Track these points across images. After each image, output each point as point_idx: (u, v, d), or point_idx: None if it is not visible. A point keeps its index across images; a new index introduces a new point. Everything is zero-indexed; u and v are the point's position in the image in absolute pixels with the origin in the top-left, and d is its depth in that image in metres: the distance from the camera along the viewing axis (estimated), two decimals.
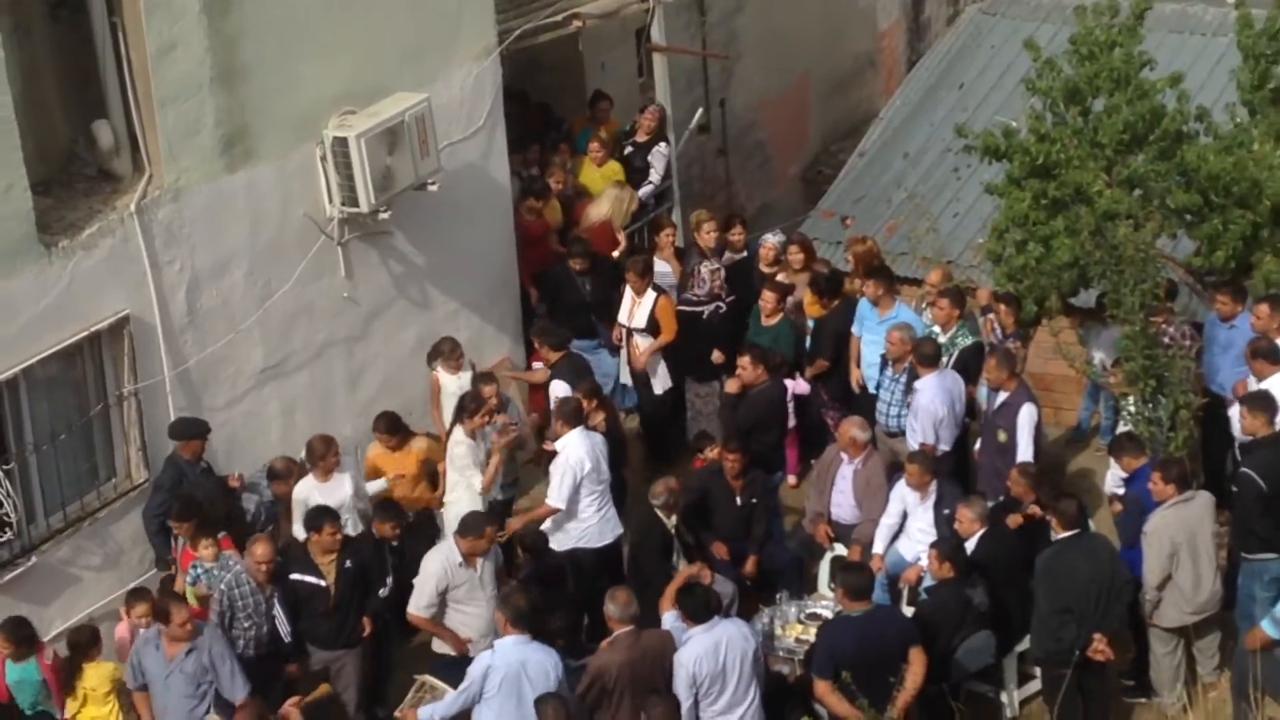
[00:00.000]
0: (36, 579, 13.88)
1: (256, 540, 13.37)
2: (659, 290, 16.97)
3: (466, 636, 13.40)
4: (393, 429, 15.04)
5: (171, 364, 14.68)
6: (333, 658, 13.60)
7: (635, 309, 16.91)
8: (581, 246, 17.36)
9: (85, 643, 12.78)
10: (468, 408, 14.92)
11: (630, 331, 17.01)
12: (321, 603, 13.43)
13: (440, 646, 13.57)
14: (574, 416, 14.71)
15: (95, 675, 12.80)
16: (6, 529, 13.62)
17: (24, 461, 13.84)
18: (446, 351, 16.05)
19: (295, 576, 13.40)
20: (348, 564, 13.48)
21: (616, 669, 12.31)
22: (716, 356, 16.87)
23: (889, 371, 15.78)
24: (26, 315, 13.58)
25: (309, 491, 14.37)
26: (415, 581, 13.61)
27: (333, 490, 14.40)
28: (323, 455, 14.44)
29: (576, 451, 14.51)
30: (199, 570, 13.45)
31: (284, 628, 13.32)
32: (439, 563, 13.49)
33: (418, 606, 13.44)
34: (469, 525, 13.57)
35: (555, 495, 14.46)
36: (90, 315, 14.03)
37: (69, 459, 14.22)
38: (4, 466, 13.58)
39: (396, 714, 12.96)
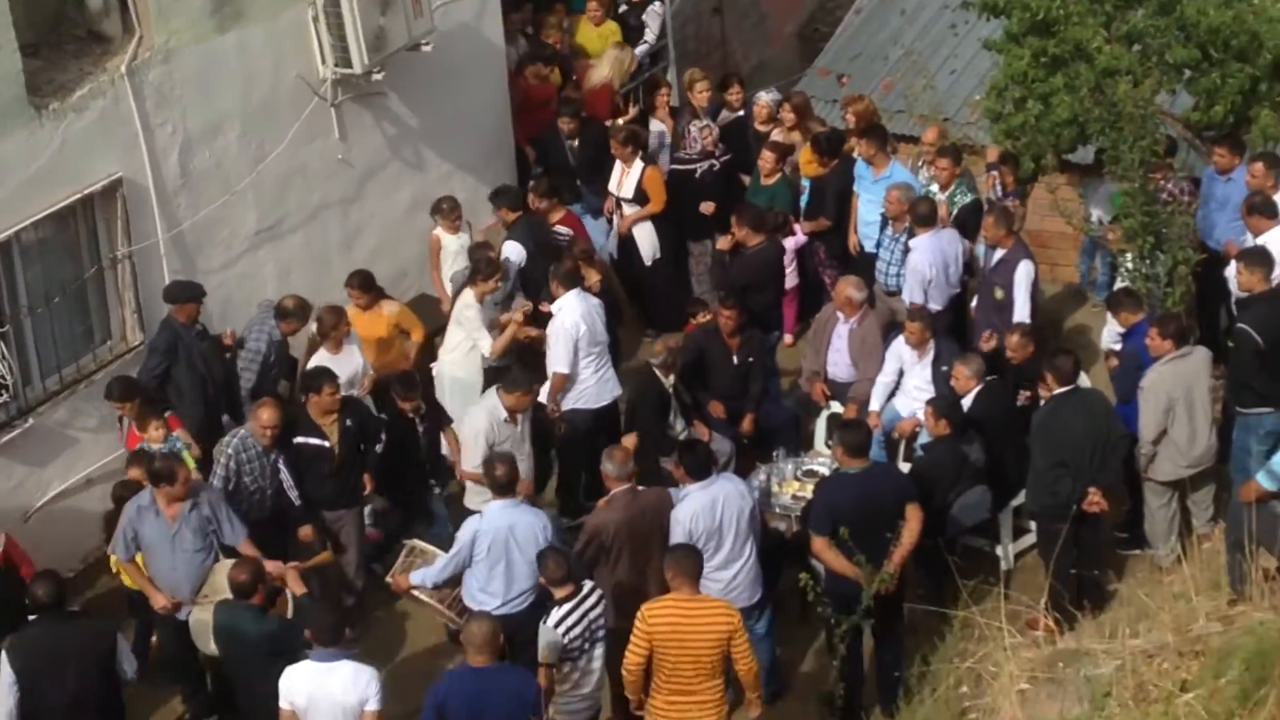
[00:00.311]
0: (33, 441, 13.92)
1: (262, 404, 13.31)
2: (647, 160, 16.85)
3: None
4: (365, 286, 14.88)
5: (165, 226, 14.63)
6: (335, 517, 13.63)
7: (624, 178, 16.80)
8: (571, 107, 17.24)
9: (128, 496, 12.75)
10: (482, 271, 14.84)
11: (619, 201, 16.90)
12: (326, 464, 13.44)
13: (474, 502, 13.47)
14: (570, 278, 14.66)
15: None
16: (3, 391, 13.64)
17: (19, 324, 13.83)
18: (446, 210, 15.98)
19: (299, 440, 13.39)
20: (348, 423, 13.49)
21: (614, 527, 12.35)
22: (706, 206, 16.84)
23: (889, 230, 15.73)
24: (17, 178, 13.51)
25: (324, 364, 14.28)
26: (462, 439, 13.66)
27: (345, 362, 14.36)
28: (334, 326, 14.37)
29: (573, 314, 14.48)
30: (178, 443, 13.43)
31: (293, 492, 13.33)
32: (485, 418, 13.48)
33: (473, 463, 13.42)
34: (516, 380, 13.58)
35: (560, 361, 14.41)
36: (82, 178, 13.96)
37: (64, 322, 14.22)
38: None
39: (388, 579, 12.95)
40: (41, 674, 11.03)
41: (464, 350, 14.93)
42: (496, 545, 12.08)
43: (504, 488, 12.26)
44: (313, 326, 14.61)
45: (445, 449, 14.27)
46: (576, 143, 17.22)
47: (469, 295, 14.86)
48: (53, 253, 14.08)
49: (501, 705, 10.53)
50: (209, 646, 12.13)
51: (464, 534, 12.24)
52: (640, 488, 12.59)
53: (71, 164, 13.85)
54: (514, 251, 15.63)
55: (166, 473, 12.34)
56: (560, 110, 17.29)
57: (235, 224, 15.30)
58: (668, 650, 10.91)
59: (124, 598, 13.25)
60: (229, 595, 11.83)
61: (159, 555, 12.45)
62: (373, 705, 10.70)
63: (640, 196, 16.72)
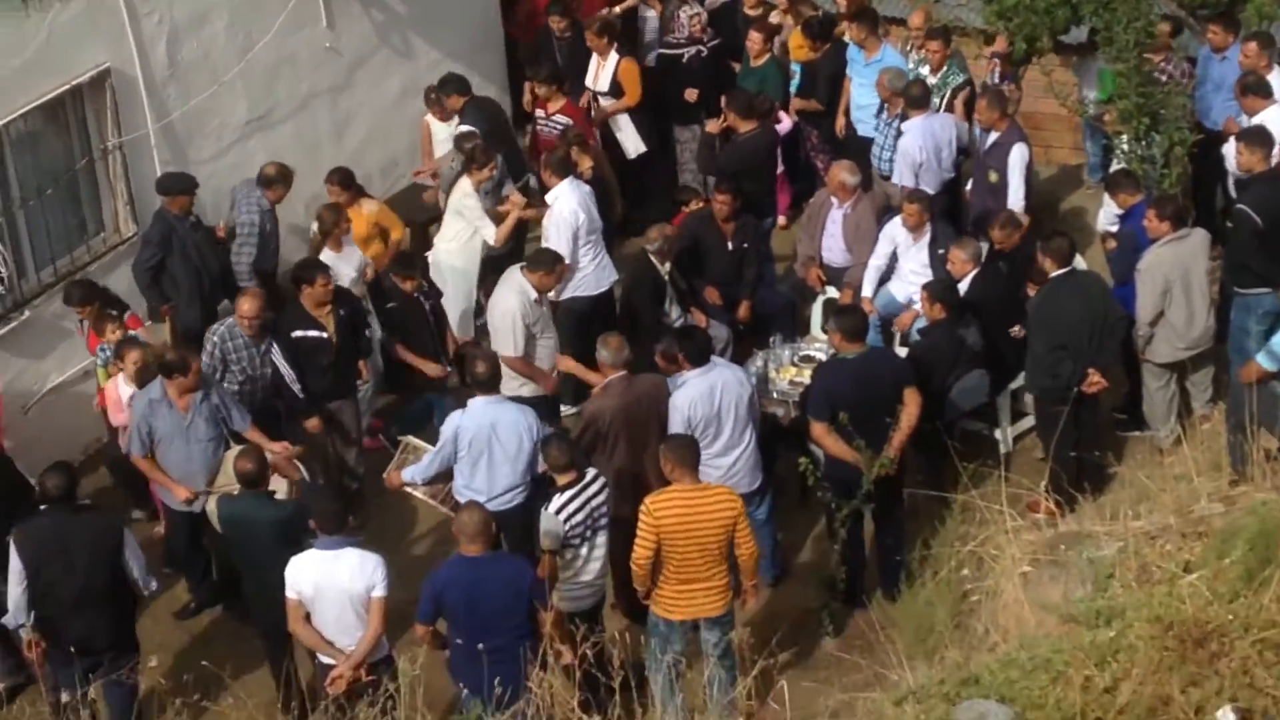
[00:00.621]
0: (30, 333, 13.91)
1: (244, 296, 13.24)
2: (626, 51, 16.68)
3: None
4: (345, 183, 14.69)
5: (155, 117, 14.56)
6: (335, 407, 13.63)
7: (599, 71, 16.65)
8: (560, 5, 17.04)
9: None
10: (477, 159, 14.75)
11: (595, 95, 16.76)
12: (325, 355, 13.40)
13: (510, 388, 13.28)
14: (562, 167, 14.57)
15: None
16: None
17: (12, 217, 13.78)
18: (434, 99, 15.87)
19: (299, 333, 13.34)
20: (342, 312, 13.47)
21: (610, 413, 12.35)
22: (690, 94, 16.74)
23: (884, 114, 15.66)
24: (5, 70, 13.44)
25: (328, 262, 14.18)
26: (494, 326, 13.60)
27: (348, 259, 14.33)
28: (334, 224, 14.30)
29: (569, 202, 14.40)
30: (107, 352, 13.29)
31: (295, 385, 13.28)
32: (516, 299, 13.41)
33: (514, 348, 13.37)
34: (542, 260, 13.54)
35: (560, 251, 14.24)
36: (70, 69, 13.87)
37: (57, 214, 14.17)
38: None
39: (383, 476, 12.93)
40: (50, 565, 11.02)
41: (462, 240, 14.87)
42: (478, 441, 12.03)
43: (485, 384, 12.22)
44: (314, 228, 14.61)
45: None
46: (565, 46, 16.95)
47: (466, 184, 14.78)
48: (43, 145, 14.01)
49: (498, 593, 10.53)
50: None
51: (446, 429, 12.20)
52: (636, 375, 12.58)
53: (59, 55, 13.74)
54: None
55: (179, 364, 12.29)
56: (549, 8, 17.11)
57: (225, 114, 15.21)
58: (675, 541, 10.92)
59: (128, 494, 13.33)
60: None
61: (174, 447, 12.43)
62: (379, 591, 10.71)
63: (615, 89, 16.54)
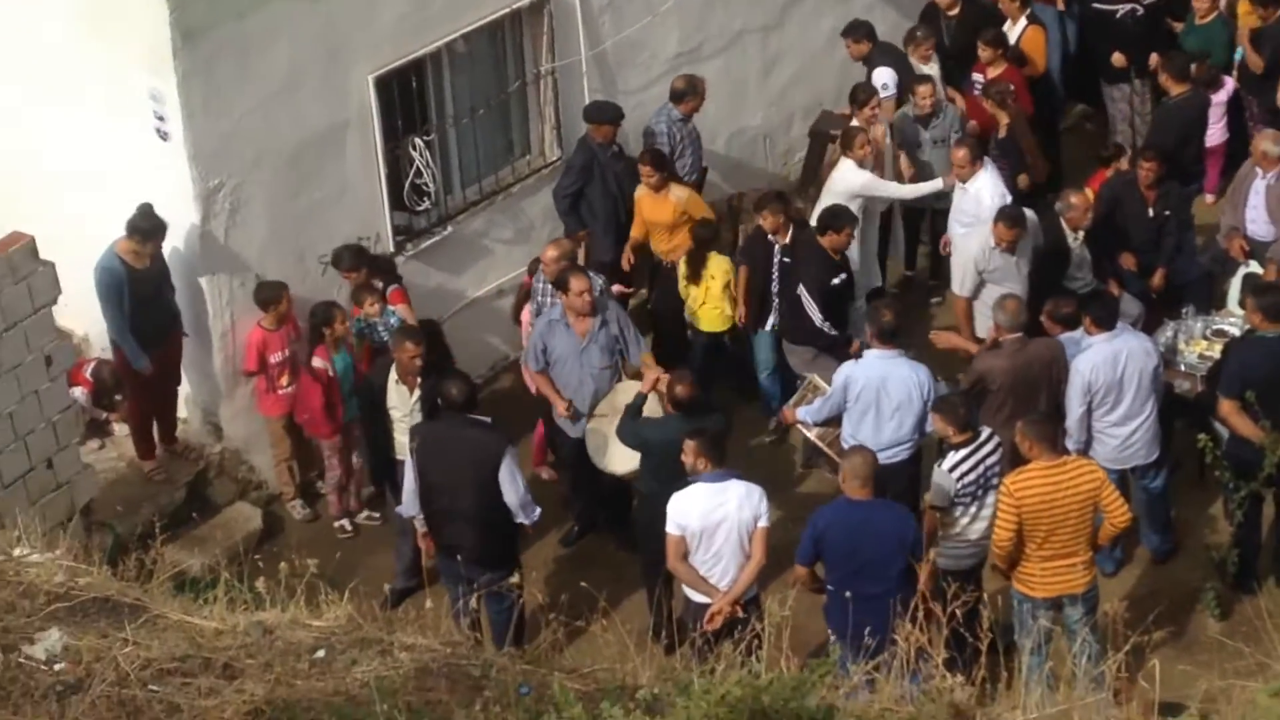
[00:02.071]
0: (451, 248, 14.36)
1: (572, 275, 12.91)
2: (1031, 19, 16.16)
3: None
4: (657, 164, 14.15)
5: (589, 45, 14.83)
6: None
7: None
8: None
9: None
10: (848, 139, 14.61)
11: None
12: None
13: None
14: (979, 151, 14.43)
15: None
16: (425, 198, 14.09)
17: (444, 134, 14.22)
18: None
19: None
20: None
21: (1000, 374, 12.27)
22: (1117, 59, 16.36)
23: None
24: None
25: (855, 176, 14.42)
26: (956, 265, 13.80)
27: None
28: (855, 144, 14.38)
29: (992, 186, 14.22)
30: (362, 324, 13.33)
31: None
32: (978, 245, 13.58)
33: (964, 288, 13.65)
34: (1010, 216, 13.47)
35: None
36: None
37: (486, 134, 14.57)
38: (425, 138, 13.98)
39: (783, 410, 13.15)
40: (432, 469, 11.37)
41: None
42: (867, 393, 12.09)
43: (888, 335, 12.23)
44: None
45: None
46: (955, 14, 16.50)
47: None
48: (479, 66, 14.39)
49: (880, 539, 10.55)
50: (604, 463, 12.44)
51: (838, 378, 12.30)
52: (1032, 339, 12.47)
53: None
54: (888, 76, 15.47)
55: (562, 282, 12.60)
56: None
57: (656, 46, 15.40)
58: (1040, 519, 10.78)
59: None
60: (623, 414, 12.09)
61: (567, 368, 12.73)
62: (764, 522, 10.88)
63: (1019, 57, 16.13)
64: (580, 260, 13.94)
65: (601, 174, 14.31)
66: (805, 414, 12.65)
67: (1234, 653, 10.31)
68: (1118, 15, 16.49)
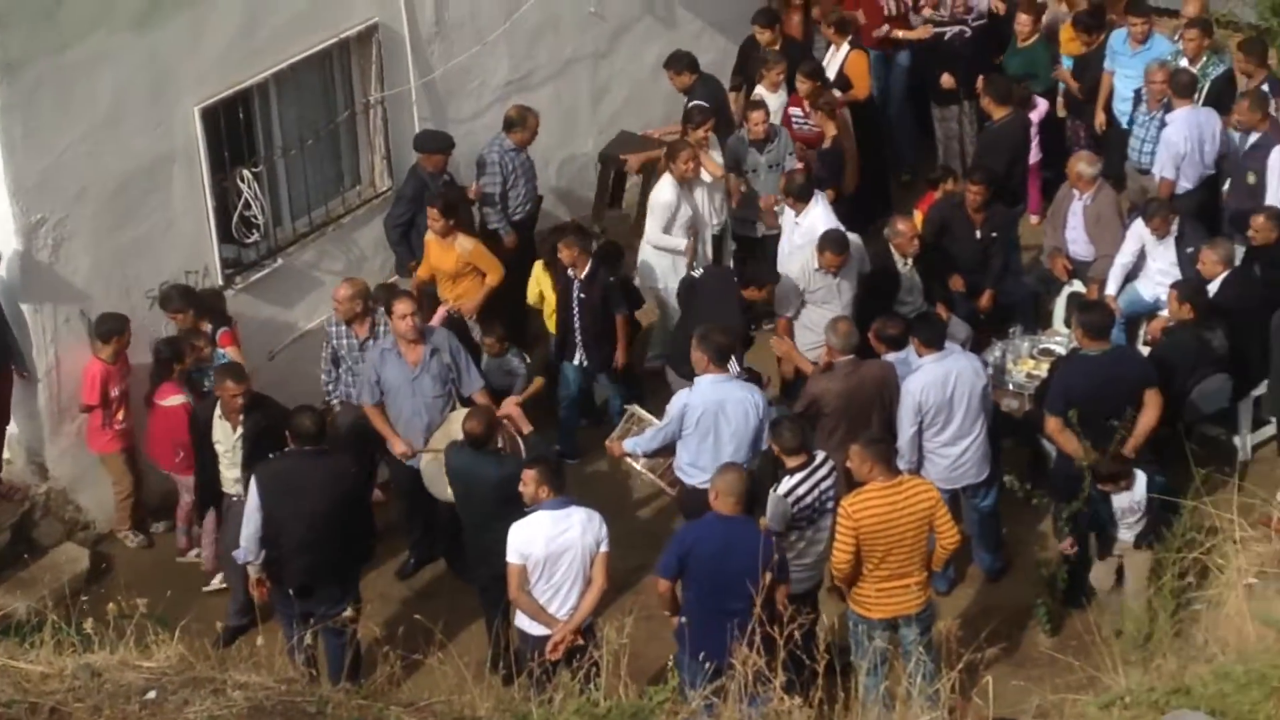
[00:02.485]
0: (281, 280, 14.22)
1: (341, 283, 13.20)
2: (853, 44, 16.42)
3: None
4: (446, 211, 13.88)
5: (418, 74, 14.80)
6: None
7: (828, 62, 16.38)
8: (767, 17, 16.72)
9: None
10: (675, 151, 14.68)
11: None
12: None
13: None
14: (804, 193, 14.46)
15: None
16: (254, 230, 13.96)
17: (272, 165, 14.10)
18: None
19: None
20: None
21: (833, 396, 12.35)
22: (945, 80, 16.62)
23: (1142, 106, 15.40)
24: (278, 20, 13.72)
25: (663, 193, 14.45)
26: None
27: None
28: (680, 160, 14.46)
29: (825, 220, 14.29)
30: (189, 374, 13.13)
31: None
32: (798, 267, 13.74)
33: (782, 308, 13.81)
34: (836, 242, 13.59)
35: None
36: (340, 22, 14.14)
37: (315, 164, 14.47)
38: (253, 169, 13.86)
39: (606, 443, 13.04)
40: (283, 504, 11.23)
41: None
42: (705, 419, 12.06)
43: (721, 358, 12.26)
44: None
45: None
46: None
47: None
48: (308, 95, 14.31)
49: (746, 556, 10.37)
50: (443, 493, 12.36)
51: (674, 406, 12.23)
52: (863, 361, 12.58)
53: (330, 8, 14.04)
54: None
55: (386, 303, 12.62)
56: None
57: (486, 74, 15.40)
58: (877, 540, 10.81)
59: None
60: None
61: (400, 398, 12.64)
62: (605, 547, 10.84)
63: (842, 82, 16.29)
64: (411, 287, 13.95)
65: (432, 204, 14.24)
66: (633, 445, 12.56)
67: (1065, 667, 10.47)
68: (946, 37, 16.74)
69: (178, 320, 13.16)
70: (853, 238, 13.97)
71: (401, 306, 12.51)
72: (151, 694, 7.93)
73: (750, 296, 13.65)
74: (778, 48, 16.21)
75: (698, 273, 14.24)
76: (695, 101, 15.45)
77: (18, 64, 12.22)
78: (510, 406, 12.56)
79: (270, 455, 11.66)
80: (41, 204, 12.60)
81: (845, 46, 16.36)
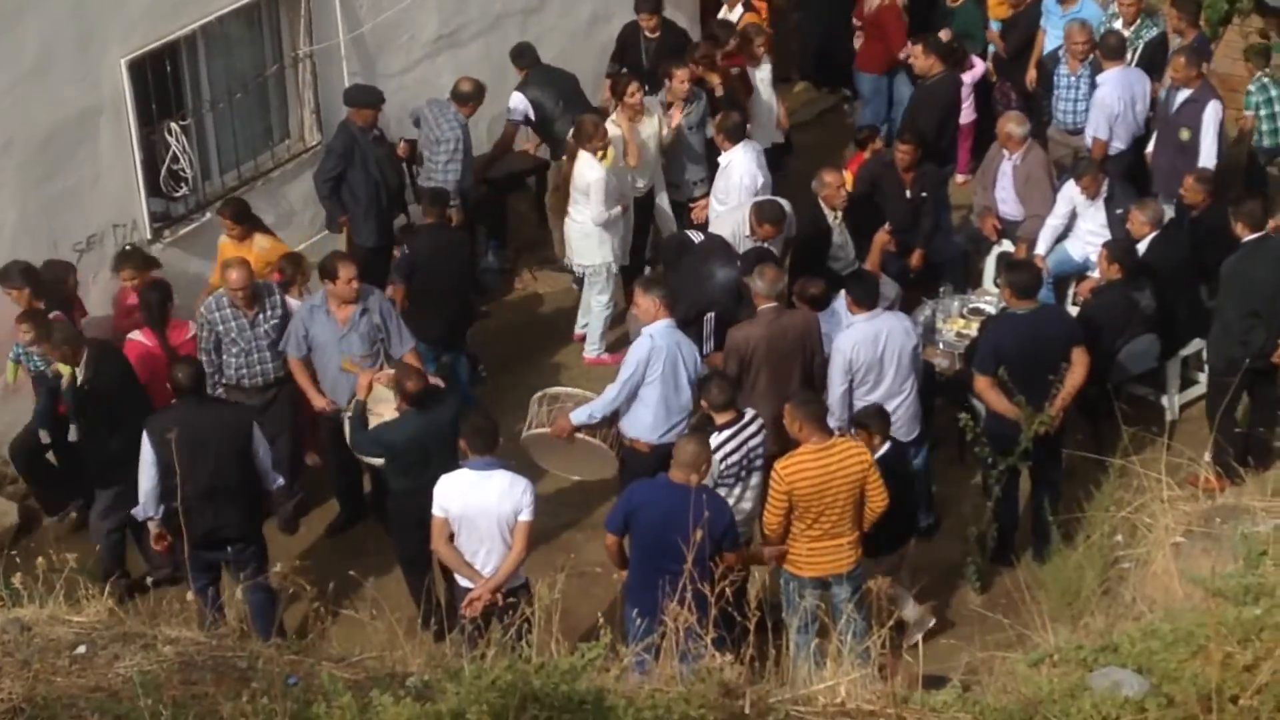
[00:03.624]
0: (210, 234, 14.06)
1: (230, 265, 12.77)
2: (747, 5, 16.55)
3: None
4: (238, 218, 13.61)
5: (347, 28, 14.73)
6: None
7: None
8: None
9: None
10: (617, 90, 14.77)
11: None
12: None
13: None
14: (736, 132, 14.45)
15: None
16: (183, 184, 13.86)
17: (200, 118, 14.02)
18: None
19: None
20: None
21: (755, 341, 12.36)
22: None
23: (1062, 67, 15.47)
24: None
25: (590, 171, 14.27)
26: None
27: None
28: (592, 135, 14.26)
29: (747, 166, 14.32)
30: (19, 350, 12.79)
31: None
32: (731, 229, 13.67)
33: None
34: (773, 213, 13.51)
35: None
36: None
37: (244, 118, 14.39)
38: (181, 122, 13.76)
39: (535, 431, 12.48)
40: (181, 455, 10.95)
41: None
42: (669, 363, 12.08)
43: (669, 305, 12.28)
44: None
45: None
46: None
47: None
48: (236, 49, 14.23)
49: (690, 521, 10.36)
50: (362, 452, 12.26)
51: (638, 354, 12.17)
52: (787, 309, 12.59)
53: None
54: (518, 101, 15.41)
55: (328, 270, 12.47)
56: None
57: (415, 29, 15.33)
58: (810, 502, 10.83)
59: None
60: (388, 403, 11.92)
61: (327, 355, 12.57)
62: (526, 516, 10.73)
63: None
64: (343, 246, 13.86)
65: (363, 158, 14.17)
66: (589, 413, 12.27)
67: (995, 625, 10.54)
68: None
69: (12, 297, 12.66)
70: (783, 203, 13.94)
71: (346, 271, 12.43)
72: (82, 649, 7.87)
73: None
74: (656, 35, 16.15)
75: (697, 237, 14.12)
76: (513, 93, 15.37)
77: None
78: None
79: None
80: None
81: (739, 7, 16.40)
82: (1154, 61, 15.43)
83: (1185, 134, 14.59)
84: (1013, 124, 14.66)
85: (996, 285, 13.93)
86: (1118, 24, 15.63)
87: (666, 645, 8.88)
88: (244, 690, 7.52)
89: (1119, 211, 13.86)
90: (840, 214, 14.04)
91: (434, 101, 14.75)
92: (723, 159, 14.45)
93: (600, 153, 14.26)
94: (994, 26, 16.64)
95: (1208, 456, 11.67)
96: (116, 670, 7.70)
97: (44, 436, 12.71)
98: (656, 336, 12.15)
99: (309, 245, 14.21)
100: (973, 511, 12.90)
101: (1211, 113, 14.51)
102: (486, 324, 15.18)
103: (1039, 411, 11.88)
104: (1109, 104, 14.87)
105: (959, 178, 16.48)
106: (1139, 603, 9.89)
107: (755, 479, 11.48)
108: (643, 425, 12.13)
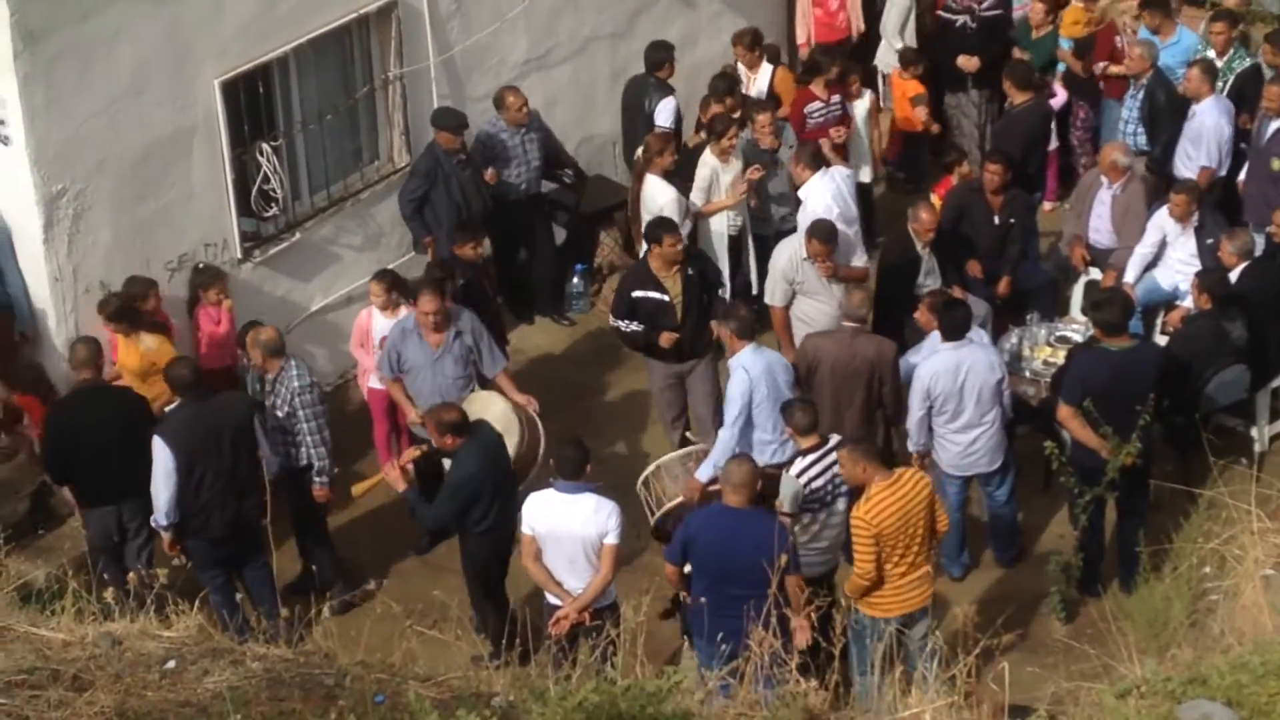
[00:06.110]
0: (299, 255, 14.22)
1: (423, 293, 12.75)
2: (774, 62, 16.46)
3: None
4: (116, 316, 12.77)
5: (437, 50, 14.79)
6: (686, 369, 13.53)
7: (750, 85, 16.34)
8: None
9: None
10: (716, 129, 14.66)
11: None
12: (666, 316, 13.25)
13: None
14: (815, 160, 14.31)
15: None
16: (273, 204, 13.95)
17: (292, 139, 14.10)
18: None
19: (637, 294, 13.25)
20: (690, 273, 13.34)
21: (822, 353, 12.47)
22: (962, 61, 16.50)
23: (1130, 90, 15.39)
24: None
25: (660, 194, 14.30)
26: (770, 274, 13.80)
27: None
28: (659, 152, 14.34)
29: (823, 198, 14.08)
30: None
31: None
32: (786, 255, 13.59)
33: (775, 298, 13.62)
34: (824, 231, 13.41)
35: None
36: None
37: (334, 140, 14.47)
38: (273, 143, 13.85)
39: (682, 490, 12.03)
40: (198, 453, 11.32)
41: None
42: (769, 385, 12.08)
43: (746, 334, 12.26)
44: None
45: None
46: None
47: (708, 155, 14.77)
48: (327, 71, 14.30)
49: (752, 547, 10.22)
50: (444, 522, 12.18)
51: (738, 388, 12.10)
52: (865, 333, 12.65)
53: None
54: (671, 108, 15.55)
55: (416, 295, 12.66)
56: None
57: (505, 52, 15.39)
58: (897, 538, 10.75)
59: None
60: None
61: (420, 378, 12.66)
62: (612, 539, 10.76)
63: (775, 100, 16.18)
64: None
65: (446, 180, 14.26)
66: (713, 464, 11.89)
67: (1080, 655, 10.49)
68: (957, 24, 16.70)
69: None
70: (843, 229, 13.82)
71: (424, 303, 12.52)
72: (171, 663, 7.95)
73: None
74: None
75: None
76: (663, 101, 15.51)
77: (39, 34, 12.21)
78: (526, 401, 12.59)
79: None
80: (62, 174, 12.59)
81: (765, 65, 16.34)
82: (1244, 92, 15.29)
83: (1277, 164, 14.47)
84: (1118, 153, 14.53)
85: (1084, 314, 13.84)
86: (1210, 53, 15.51)
87: (749, 670, 8.90)
88: (331, 708, 7.58)
89: (1209, 241, 13.76)
90: (927, 245, 13.97)
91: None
92: (801, 191, 14.38)
93: (666, 168, 14.43)
94: (1065, 45, 16.54)
95: None
96: (205, 685, 7.77)
97: None
98: (748, 366, 12.15)
99: (398, 265, 14.25)
100: (1058, 541, 12.87)
101: None
102: (574, 345, 15.33)
103: (1125, 443, 11.79)
104: (1218, 130, 14.76)
105: (1046, 205, 16.41)
106: (1228, 635, 9.80)
107: (840, 505, 11.42)
108: (761, 445, 12.12)
